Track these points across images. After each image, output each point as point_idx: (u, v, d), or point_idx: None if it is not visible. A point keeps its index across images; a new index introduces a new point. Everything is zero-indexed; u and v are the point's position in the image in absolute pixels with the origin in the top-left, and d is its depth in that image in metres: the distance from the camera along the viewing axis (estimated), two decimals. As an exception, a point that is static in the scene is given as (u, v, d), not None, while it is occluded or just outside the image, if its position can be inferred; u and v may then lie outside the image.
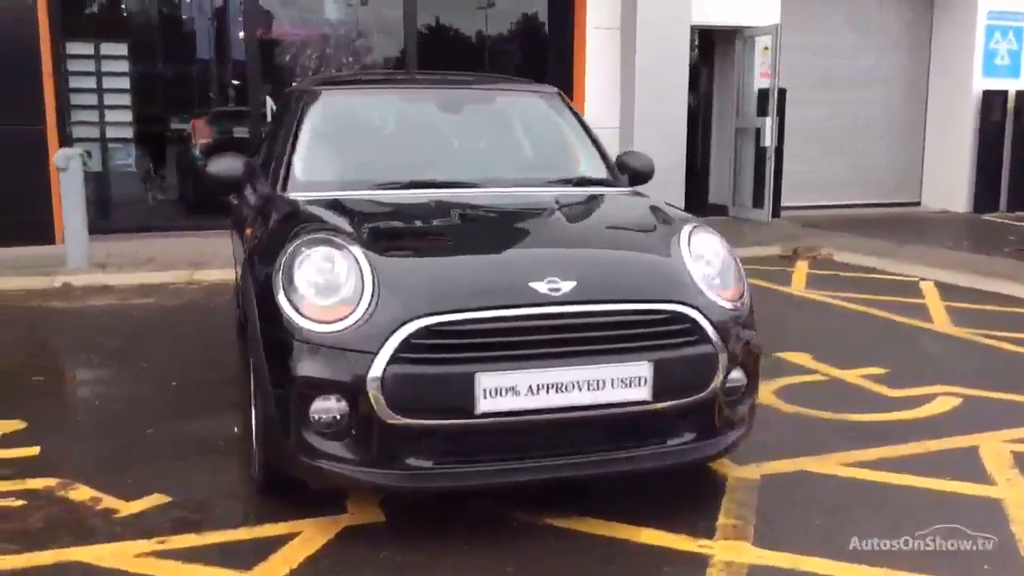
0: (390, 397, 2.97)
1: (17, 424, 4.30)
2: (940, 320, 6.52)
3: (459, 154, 4.40)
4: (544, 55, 11.34)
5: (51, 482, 3.64)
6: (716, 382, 3.28)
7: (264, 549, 3.10)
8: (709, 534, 3.23)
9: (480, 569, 3.00)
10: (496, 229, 3.69)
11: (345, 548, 3.13)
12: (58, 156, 7.81)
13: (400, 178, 4.07)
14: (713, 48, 12.36)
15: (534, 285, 3.12)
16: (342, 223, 3.49)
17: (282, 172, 4.09)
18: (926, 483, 3.67)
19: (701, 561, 3.06)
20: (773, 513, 3.42)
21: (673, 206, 4.09)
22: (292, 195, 3.95)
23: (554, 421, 3.10)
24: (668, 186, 10.57)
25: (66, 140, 9.39)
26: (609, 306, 3.18)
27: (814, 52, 12.08)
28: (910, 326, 6.36)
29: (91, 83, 9.88)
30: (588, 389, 3.08)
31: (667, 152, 10.70)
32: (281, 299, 3.15)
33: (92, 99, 9.92)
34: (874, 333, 6.27)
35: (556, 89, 4.76)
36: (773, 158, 11.38)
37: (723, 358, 3.28)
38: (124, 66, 9.97)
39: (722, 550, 3.13)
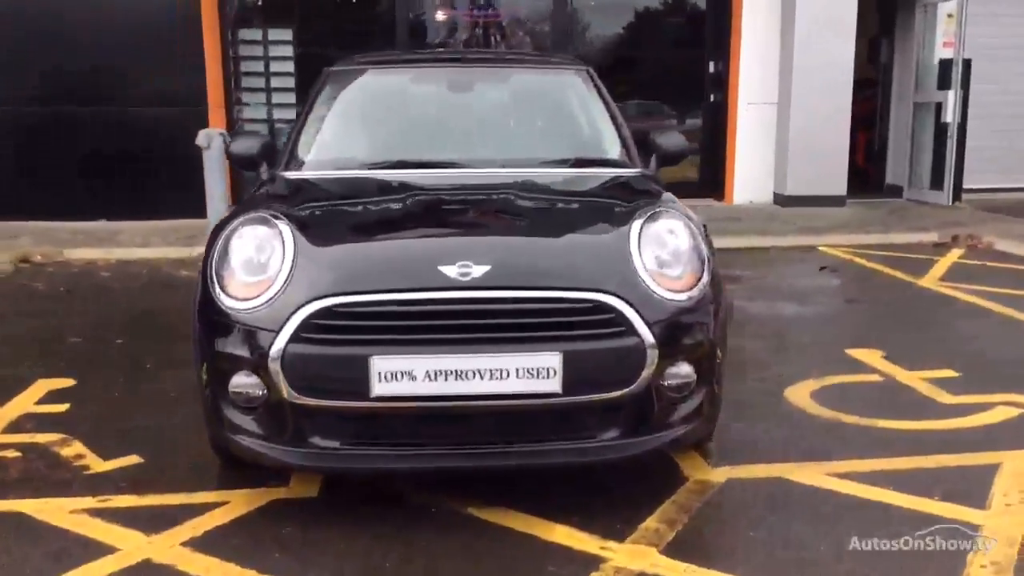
0: (290, 376, 3.00)
1: (67, 382, 4.68)
2: (1071, 320, 5.78)
3: (460, 133, 4.34)
4: (701, 29, 10.92)
5: (54, 437, 3.95)
6: (646, 377, 3.08)
7: (184, 515, 3.23)
8: (621, 536, 3.05)
9: (364, 553, 2.99)
10: (437, 211, 3.63)
11: (257, 521, 3.20)
12: (200, 136, 8.37)
13: (390, 157, 4.09)
14: (893, 17, 11.44)
15: (444, 269, 3.05)
16: (295, 203, 3.55)
17: (287, 151, 4.22)
18: (906, 501, 3.29)
19: (591, 564, 2.89)
20: (709, 521, 3.19)
21: (660, 189, 3.86)
22: (286, 174, 4.07)
23: (455, 409, 3.03)
24: (829, 166, 10.01)
25: (232, 122, 10.07)
26: (518, 293, 3.05)
27: (1005, 19, 10.92)
28: (1029, 325, 5.70)
29: (259, 67, 10.47)
30: (491, 378, 2.98)
31: (829, 129, 10.13)
32: (212, 274, 3.25)
33: (260, 83, 10.51)
34: (976, 331, 5.65)
35: (586, 67, 4.59)
36: (955, 135, 10.42)
37: (655, 352, 3.06)
38: (289, 51, 10.48)
39: (624, 555, 2.95)
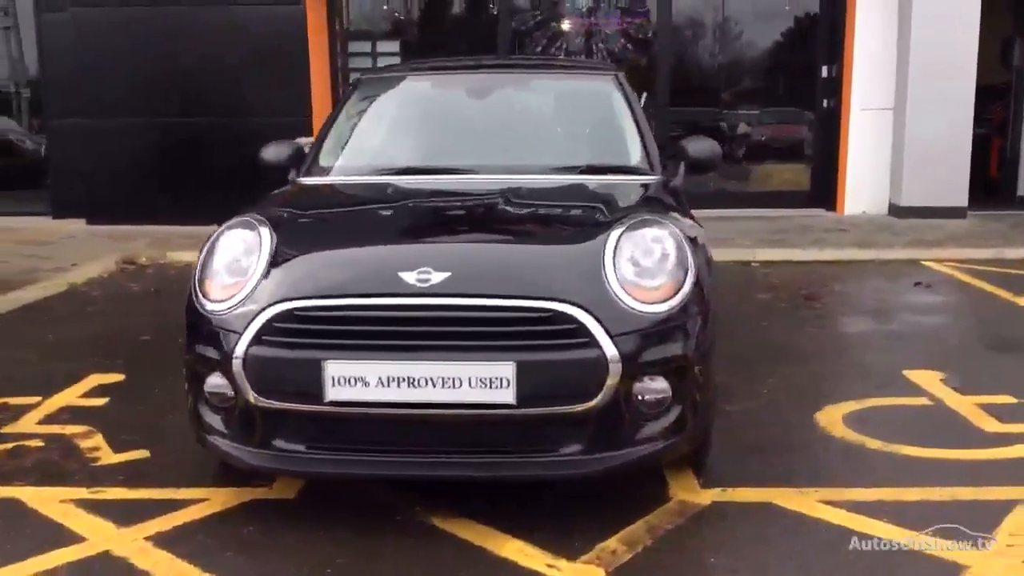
0: (252, 378, 3.05)
1: (117, 378, 4.91)
2: None
3: (474, 139, 4.32)
4: (813, 31, 10.50)
5: (80, 430, 4.14)
6: (609, 391, 2.97)
7: (161, 510, 3.32)
8: (574, 555, 2.95)
9: (314, 556, 2.99)
10: (416, 217, 3.61)
11: (227, 519, 3.26)
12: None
13: (402, 164, 4.12)
14: (1028, 16, 10.70)
15: (404, 275, 3.03)
16: (292, 208, 3.62)
17: (309, 157, 4.30)
18: (895, 534, 3.05)
19: (530, 582, 2.82)
20: (673, 544, 3.04)
21: (665, 197, 3.72)
22: (303, 179, 4.15)
23: (408, 417, 3.00)
24: (949, 175, 9.47)
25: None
26: (472, 300, 2.99)
27: None
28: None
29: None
30: (444, 387, 2.94)
31: (949, 137, 9.55)
32: (196, 276, 3.35)
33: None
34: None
35: (615, 72, 4.48)
36: (1097, 142, 9.65)
37: (618, 365, 2.95)
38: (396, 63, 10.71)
39: (570, 574, 2.85)
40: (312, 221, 3.64)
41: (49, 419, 4.30)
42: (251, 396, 3.05)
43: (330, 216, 3.74)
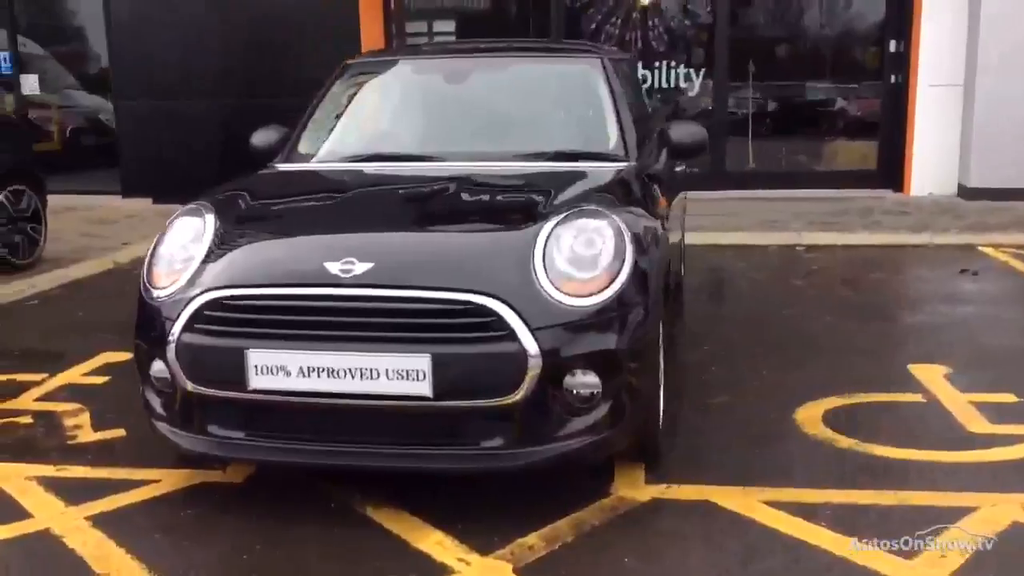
0: (184, 364, 3.11)
1: (125, 356, 4.98)
2: None
3: (445, 126, 4.29)
4: (878, 4, 10.05)
5: (70, 407, 4.29)
6: (530, 385, 2.92)
7: (112, 490, 3.42)
8: (489, 550, 2.93)
9: (238, 539, 3.05)
10: (356, 206, 3.62)
11: (169, 501, 3.35)
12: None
13: (370, 151, 4.14)
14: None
15: (328, 265, 3.04)
16: (250, 195, 3.68)
17: (290, 143, 4.34)
18: (825, 540, 2.94)
19: (435, 575, 2.81)
20: (593, 542, 2.99)
21: (625, 184, 3.64)
22: (278, 166, 4.20)
23: (329, 407, 3.02)
24: (1019, 154, 9.01)
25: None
26: (389, 291, 2.98)
27: None
28: None
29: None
30: (362, 377, 2.94)
31: (1020, 114, 9.06)
32: (146, 262, 3.42)
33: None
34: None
35: (600, 56, 4.37)
36: None
37: (538, 360, 2.91)
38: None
39: (475, 569, 2.84)
40: (257, 209, 3.67)
41: (47, 396, 4.48)
42: (185, 382, 3.12)
43: (275, 204, 3.77)
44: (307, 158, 4.21)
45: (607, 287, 3.07)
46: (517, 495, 3.28)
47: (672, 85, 10.27)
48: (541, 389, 2.96)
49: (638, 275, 3.17)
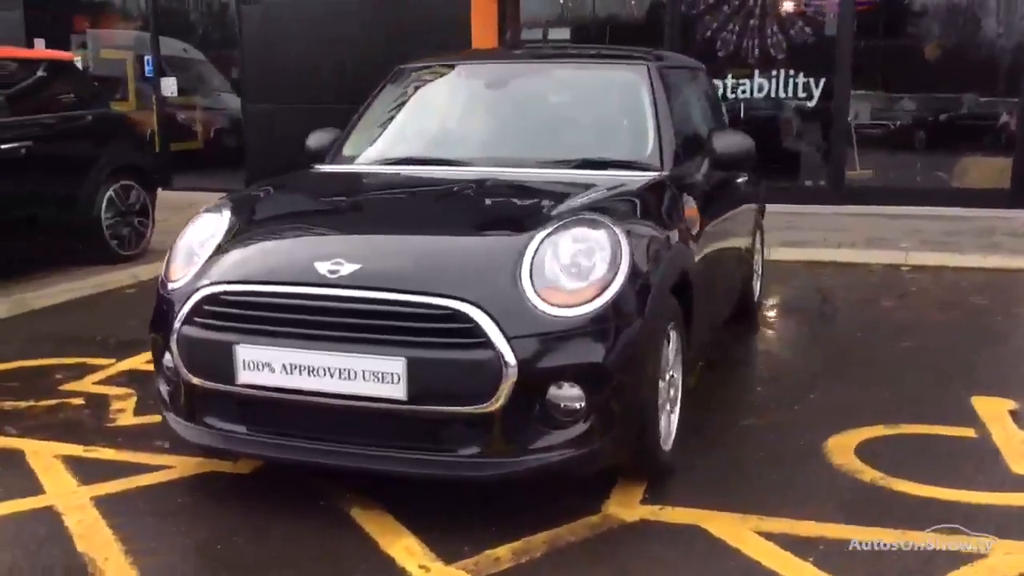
0: (183, 356, 3.22)
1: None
2: None
3: (478, 131, 4.26)
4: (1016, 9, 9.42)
5: (122, 392, 4.51)
6: (506, 394, 2.87)
7: (127, 473, 3.57)
8: (454, 559, 2.89)
9: (218, 530, 3.12)
10: (359, 208, 3.67)
11: (173, 487, 3.46)
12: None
13: (403, 154, 4.19)
14: None
15: (318, 265, 3.08)
16: (270, 192, 3.77)
17: (336, 145, 4.43)
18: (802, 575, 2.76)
19: (392, 581, 2.80)
20: (562, 559, 2.91)
21: (643, 198, 3.53)
22: (319, 167, 4.30)
23: (308, 405, 3.05)
24: None
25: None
26: (372, 293, 2.98)
27: None
28: None
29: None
30: (340, 377, 2.97)
31: None
32: (167, 256, 3.55)
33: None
34: None
35: (646, 63, 4.23)
36: None
37: (514, 369, 2.86)
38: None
39: (434, 577, 2.81)
40: (271, 208, 3.75)
41: (106, 380, 4.71)
42: (186, 374, 3.22)
43: (288, 204, 3.84)
44: (348, 160, 4.28)
45: (596, 298, 2.99)
46: (505, 504, 3.23)
47: (791, 94, 9.93)
48: (520, 399, 2.91)
49: (634, 288, 3.07)
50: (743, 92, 9.99)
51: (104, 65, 12.99)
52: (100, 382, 4.68)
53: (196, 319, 3.18)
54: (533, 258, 3.03)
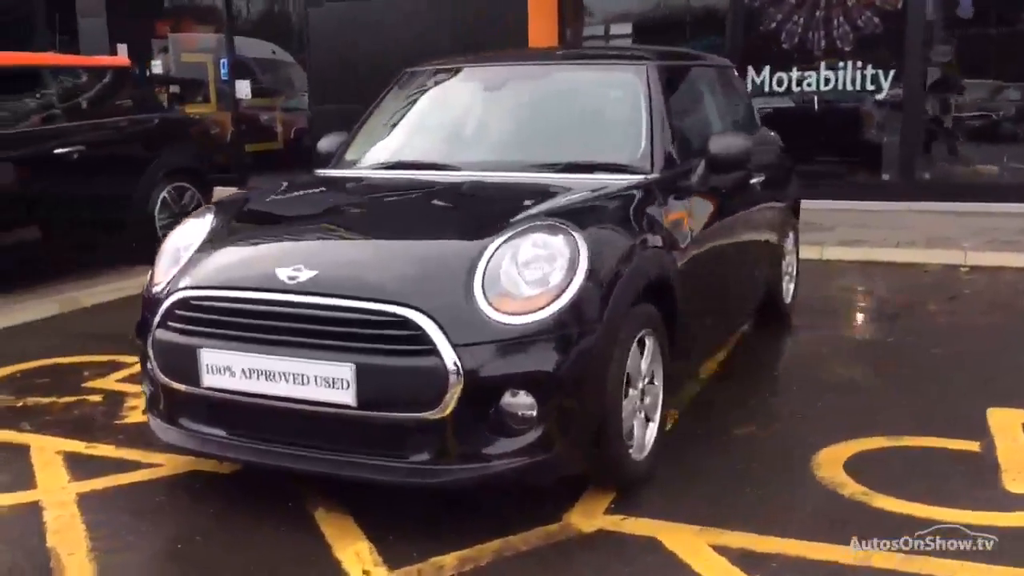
0: (157, 359, 3.31)
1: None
2: None
3: (473, 135, 4.23)
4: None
5: (136, 389, 4.63)
6: (452, 402, 2.87)
7: (117, 470, 3.69)
8: (398, 565, 2.90)
9: (179, 534, 3.19)
10: (328, 214, 3.71)
11: (154, 485, 3.56)
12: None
13: (396, 158, 4.22)
14: None
15: (279, 271, 3.13)
16: (256, 197, 3.84)
17: (340, 149, 4.49)
18: (744, 596, 2.67)
19: (335, 584, 2.83)
20: (506, 568, 2.89)
21: (621, 202, 3.47)
22: (320, 171, 4.37)
23: (270, 409, 3.09)
24: None
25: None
26: (323, 299, 3.01)
27: None
28: None
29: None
30: (293, 382, 3.01)
31: None
32: (155, 260, 3.66)
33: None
34: None
35: (645, 64, 4.14)
36: None
37: (459, 377, 2.85)
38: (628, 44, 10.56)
39: (378, 581, 2.83)
40: (250, 213, 3.81)
41: (128, 378, 4.86)
42: (160, 376, 3.32)
43: (268, 209, 3.89)
44: (349, 165, 4.34)
45: (549, 305, 2.96)
46: (469, 510, 3.23)
47: (859, 87, 9.62)
48: (471, 407, 2.90)
49: (592, 295, 3.03)
50: (808, 85, 9.72)
51: (185, 68, 13.44)
52: (122, 380, 4.84)
53: (169, 323, 3.27)
54: (488, 265, 3.02)
